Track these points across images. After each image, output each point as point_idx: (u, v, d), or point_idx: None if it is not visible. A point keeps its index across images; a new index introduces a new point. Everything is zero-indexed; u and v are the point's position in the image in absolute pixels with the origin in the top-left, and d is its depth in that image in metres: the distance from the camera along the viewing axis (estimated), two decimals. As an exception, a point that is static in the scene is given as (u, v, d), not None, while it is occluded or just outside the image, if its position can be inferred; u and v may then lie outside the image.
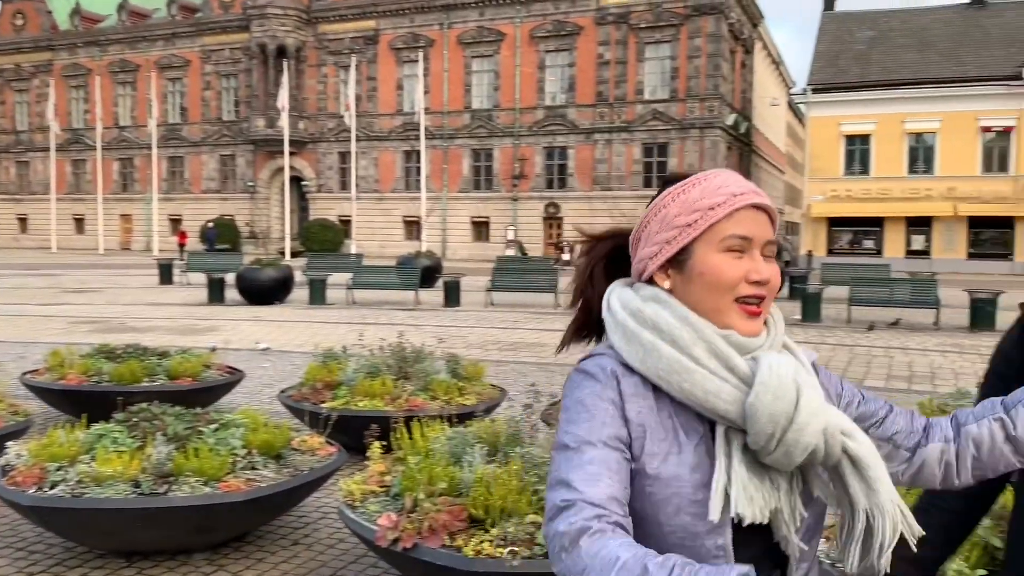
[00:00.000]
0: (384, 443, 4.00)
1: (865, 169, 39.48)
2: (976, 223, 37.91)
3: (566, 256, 42.07)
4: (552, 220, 46.21)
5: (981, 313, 15.51)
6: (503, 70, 46.77)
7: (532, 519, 3.24)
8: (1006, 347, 1.61)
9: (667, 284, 1.31)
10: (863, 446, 1.22)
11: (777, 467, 1.22)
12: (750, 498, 1.20)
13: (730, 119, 44.26)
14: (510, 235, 45.81)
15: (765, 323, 1.31)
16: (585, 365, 1.30)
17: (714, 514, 1.17)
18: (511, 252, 42.93)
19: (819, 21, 44.49)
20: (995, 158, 37.68)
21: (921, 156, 38.78)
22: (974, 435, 1.36)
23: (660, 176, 42.74)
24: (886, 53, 40.62)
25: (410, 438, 3.90)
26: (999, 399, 1.38)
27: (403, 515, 3.31)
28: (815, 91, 40.14)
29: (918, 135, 38.66)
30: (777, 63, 62.37)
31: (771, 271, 1.28)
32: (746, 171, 50.10)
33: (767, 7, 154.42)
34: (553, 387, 8.93)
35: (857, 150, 39.67)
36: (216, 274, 20.83)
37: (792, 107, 65.89)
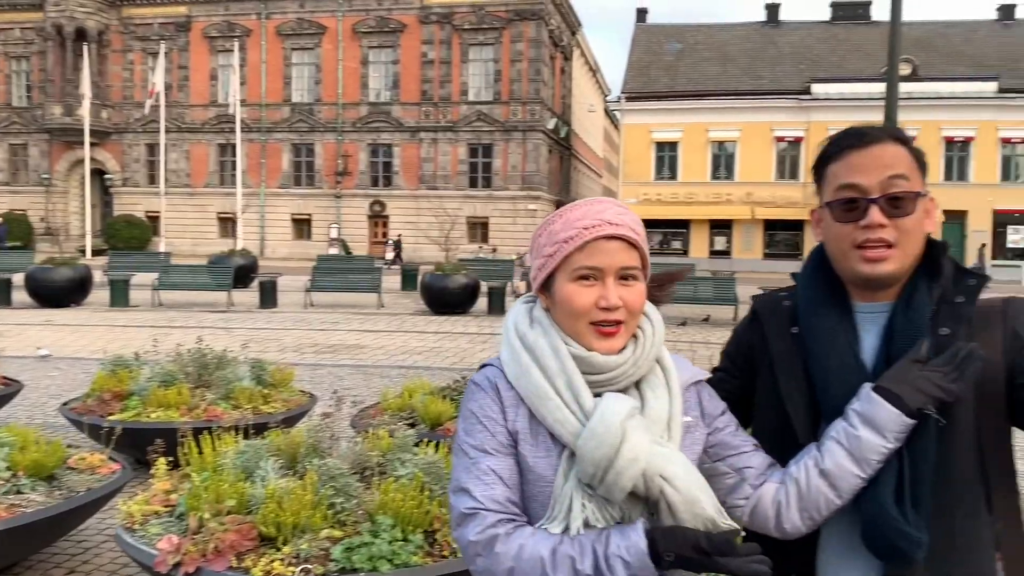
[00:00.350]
0: (171, 459, 3.73)
1: (673, 174, 41.78)
2: (771, 226, 41.09)
3: (390, 255, 41.73)
4: (378, 218, 45.63)
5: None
6: (325, 64, 45.63)
7: (327, 534, 3.12)
8: (739, 329, 1.72)
9: (546, 303, 1.46)
10: (679, 493, 1.31)
11: (607, 497, 1.33)
12: (587, 511, 1.32)
13: (551, 123, 45.46)
14: (333, 233, 44.79)
15: (635, 337, 1.42)
16: (476, 376, 1.47)
17: (556, 527, 1.32)
18: (335, 251, 41.99)
19: (632, 32, 46.59)
20: (787, 166, 40.93)
21: (723, 163, 41.50)
22: (794, 474, 1.44)
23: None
24: (692, 66, 43.14)
25: (200, 452, 3.66)
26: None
27: (187, 537, 3.09)
28: (628, 99, 41.99)
29: (720, 143, 41.35)
30: (595, 71, 64.75)
31: (627, 294, 1.38)
32: (567, 174, 51.73)
33: (585, 16, 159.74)
34: (372, 390, 8.79)
35: (666, 156, 41.91)
36: (2, 274, 18.95)
37: (608, 114, 68.59)
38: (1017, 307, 1.50)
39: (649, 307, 1.49)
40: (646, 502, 1.34)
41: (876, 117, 13.45)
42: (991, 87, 38.45)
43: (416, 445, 3.86)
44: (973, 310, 1.47)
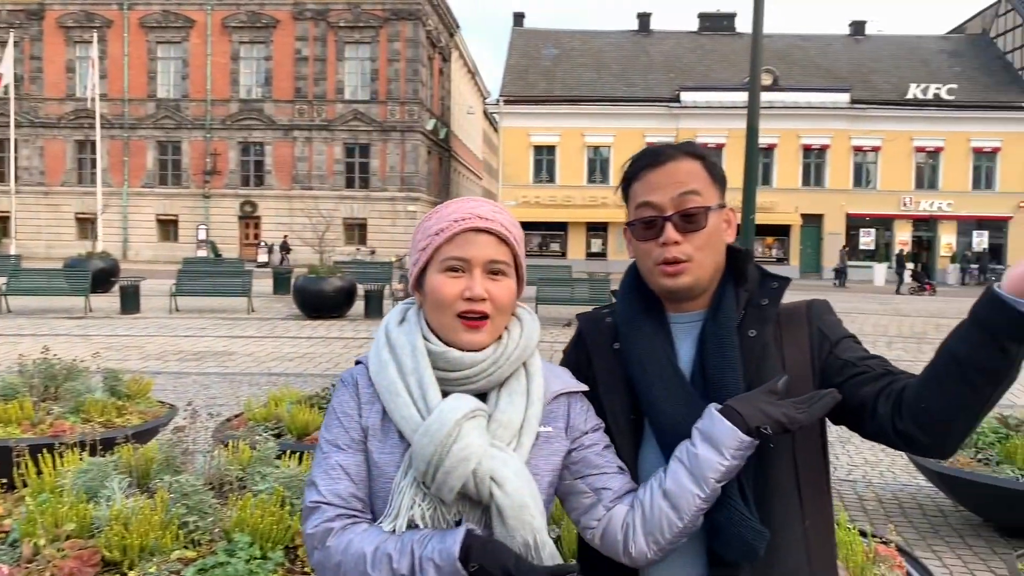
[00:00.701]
0: (4, 480, 3.44)
1: (552, 178, 42.40)
2: (644, 229, 42.26)
3: (263, 257, 40.48)
4: (249, 219, 44.19)
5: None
6: (193, 59, 43.84)
7: (179, 555, 2.94)
8: (567, 350, 1.72)
9: (420, 300, 1.48)
10: (508, 497, 1.31)
11: (439, 496, 1.33)
12: (419, 510, 1.33)
13: (430, 124, 45.27)
14: (202, 235, 43.07)
15: (499, 338, 1.42)
16: (344, 373, 1.50)
17: (388, 524, 1.34)
18: (203, 253, 40.39)
19: (509, 36, 46.98)
20: (659, 171, 42.21)
21: (599, 167, 42.42)
22: (640, 496, 1.42)
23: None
24: (568, 71, 43.91)
25: (39, 472, 3.39)
26: None
27: (19, 566, 2.85)
28: (507, 102, 42.32)
29: (596, 148, 42.25)
30: (473, 73, 64.97)
31: (495, 288, 1.40)
32: (446, 176, 51.64)
33: (463, 19, 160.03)
34: (239, 400, 8.44)
35: (544, 160, 42.48)
36: None
37: (488, 116, 69.01)
38: (819, 308, 1.59)
39: (524, 311, 1.50)
40: (480, 505, 1.34)
41: (741, 125, 13.98)
42: (844, 98, 40.89)
43: (279, 457, 3.71)
44: (776, 311, 1.55)
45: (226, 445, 3.93)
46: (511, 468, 1.33)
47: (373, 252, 40.74)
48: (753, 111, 11.86)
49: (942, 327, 17.83)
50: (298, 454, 3.78)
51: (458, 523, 1.34)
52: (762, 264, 1.64)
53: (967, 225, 41.16)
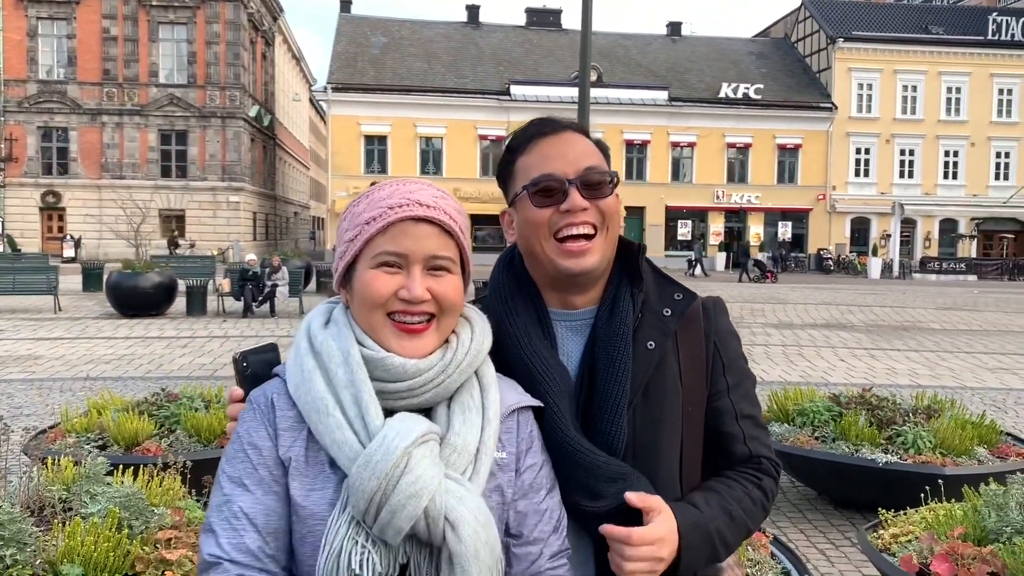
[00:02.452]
0: None
1: (384, 168, 41.78)
2: (477, 220, 42.54)
3: (70, 252, 37.39)
4: (52, 210, 40.65)
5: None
6: (-20, 34, 39.72)
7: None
8: None
9: (347, 299, 1.25)
10: (462, 543, 1.10)
11: (382, 538, 1.10)
12: (357, 555, 1.09)
13: (253, 110, 43.41)
14: (-3, 228, 39.19)
15: (447, 343, 1.22)
16: (254, 392, 1.23)
17: (320, 572, 1.10)
18: (-1, 248, 36.76)
19: (336, 23, 45.84)
20: (491, 163, 42.64)
21: (431, 158, 42.27)
22: None
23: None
24: (398, 60, 43.40)
25: None
26: None
27: None
28: (335, 90, 41.26)
29: (428, 139, 42.06)
30: (299, 59, 62.96)
31: (439, 287, 1.19)
32: (271, 165, 49.77)
33: (287, 2, 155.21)
34: (50, 409, 7.65)
35: (376, 150, 41.80)
36: None
37: (315, 104, 67.09)
38: (715, 312, 1.48)
39: (473, 311, 1.29)
40: (431, 546, 1.13)
41: (571, 118, 14.30)
42: (663, 96, 42.90)
43: (110, 473, 3.32)
44: (677, 325, 1.42)
45: (44, 462, 3.48)
46: (468, 506, 1.11)
47: (193, 245, 38.61)
48: (583, 106, 12.10)
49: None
50: (131, 468, 3.40)
51: (404, 568, 1.12)
52: None
53: (773, 216, 44.38)
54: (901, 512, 3.52)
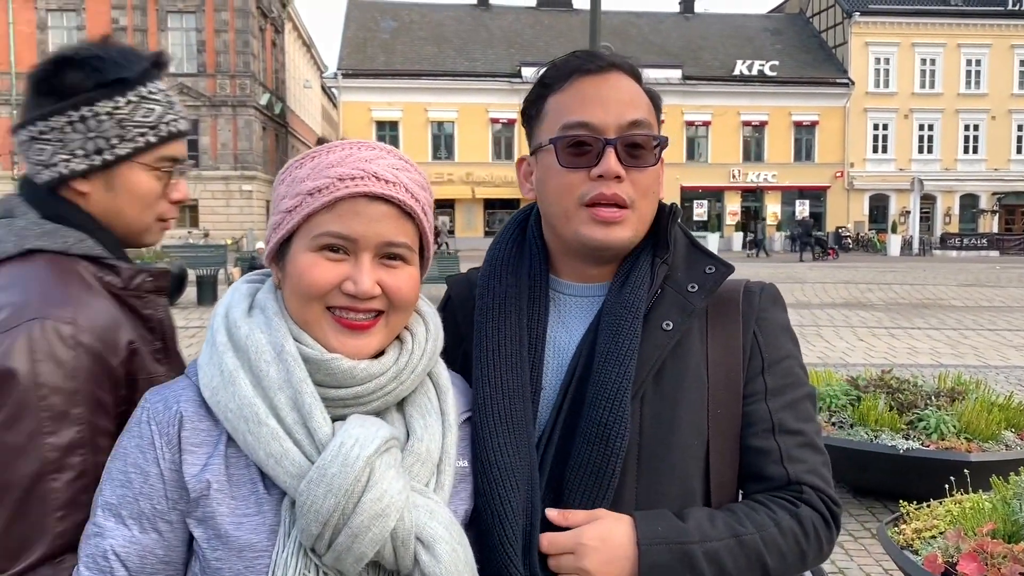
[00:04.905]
0: None
1: (395, 154, 41.71)
2: (490, 204, 42.43)
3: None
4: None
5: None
6: (-9, 27, 39.79)
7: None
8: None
9: (278, 280, 1.03)
10: (440, 564, 0.92)
11: (337, 568, 0.91)
12: None
13: (264, 99, 43.30)
14: (12, 221, 39.50)
15: (400, 340, 1.02)
16: (150, 396, 1.00)
17: None
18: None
19: (345, 8, 45.58)
20: (503, 146, 42.37)
21: (443, 143, 42.08)
22: None
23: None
24: (408, 44, 43.11)
25: None
26: None
27: None
28: (345, 76, 41.06)
29: (440, 124, 41.82)
30: (309, 46, 62.75)
31: (393, 280, 0.98)
32: (284, 153, 49.72)
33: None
34: None
35: (387, 135, 41.55)
36: None
37: (326, 91, 66.92)
38: (761, 300, 1.21)
39: (426, 305, 1.08)
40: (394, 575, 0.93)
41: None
42: (676, 74, 42.35)
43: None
44: (705, 303, 1.16)
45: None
46: (441, 522, 0.93)
47: (206, 235, 38.65)
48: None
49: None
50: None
51: None
52: None
53: (790, 195, 43.84)
54: (924, 504, 3.30)
